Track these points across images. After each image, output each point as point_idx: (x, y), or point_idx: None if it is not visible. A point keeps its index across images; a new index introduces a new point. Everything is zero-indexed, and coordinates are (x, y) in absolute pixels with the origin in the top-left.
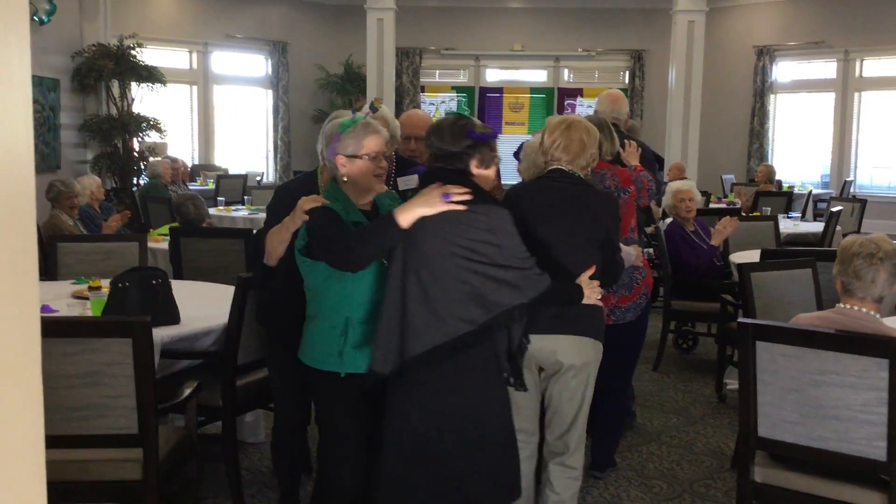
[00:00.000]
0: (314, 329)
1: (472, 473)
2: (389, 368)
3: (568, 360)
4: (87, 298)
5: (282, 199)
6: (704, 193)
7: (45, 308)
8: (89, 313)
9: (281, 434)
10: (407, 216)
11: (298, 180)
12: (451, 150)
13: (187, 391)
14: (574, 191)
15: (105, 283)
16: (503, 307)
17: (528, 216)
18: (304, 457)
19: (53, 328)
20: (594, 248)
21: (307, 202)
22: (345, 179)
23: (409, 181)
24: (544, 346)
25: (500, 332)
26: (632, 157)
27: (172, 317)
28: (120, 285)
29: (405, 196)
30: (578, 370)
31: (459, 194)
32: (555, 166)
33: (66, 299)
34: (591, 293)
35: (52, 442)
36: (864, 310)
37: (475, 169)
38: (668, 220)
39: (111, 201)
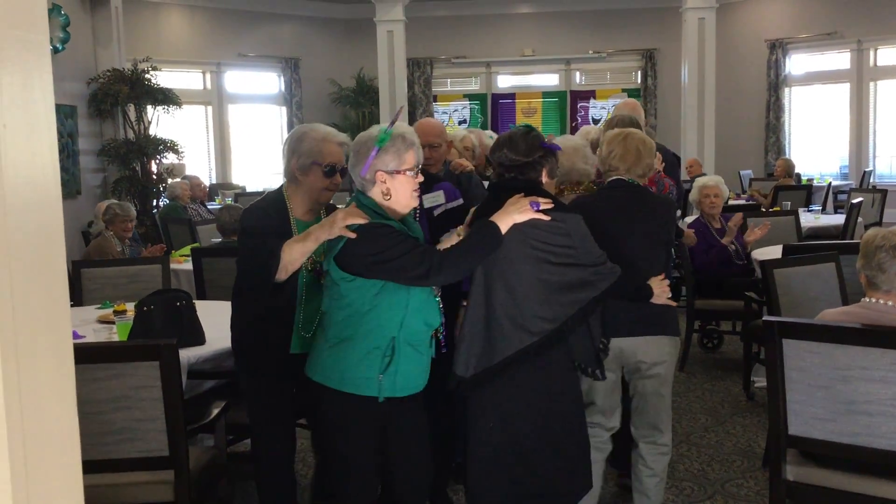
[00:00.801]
0: (349, 351)
1: (550, 469)
2: (471, 372)
3: (650, 358)
4: (112, 323)
5: (260, 218)
6: None
7: (72, 333)
8: (115, 338)
9: (271, 471)
10: (504, 225)
11: (270, 200)
12: (526, 160)
13: (215, 411)
14: (638, 197)
15: (130, 307)
16: (581, 303)
17: (599, 222)
18: (293, 491)
19: (81, 354)
20: (661, 249)
21: (348, 216)
22: (388, 197)
23: (435, 198)
24: (626, 347)
25: (580, 327)
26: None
27: (198, 337)
28: (145, 309)
29: (431, 213)
30: (660, 366)
31: (545, 203)
32: (614, 176)
33: (92, 324)
34: (662, 293)
35: (84, 467)
36: (889, 303)
37: (545, 178)
38: (688, 219)
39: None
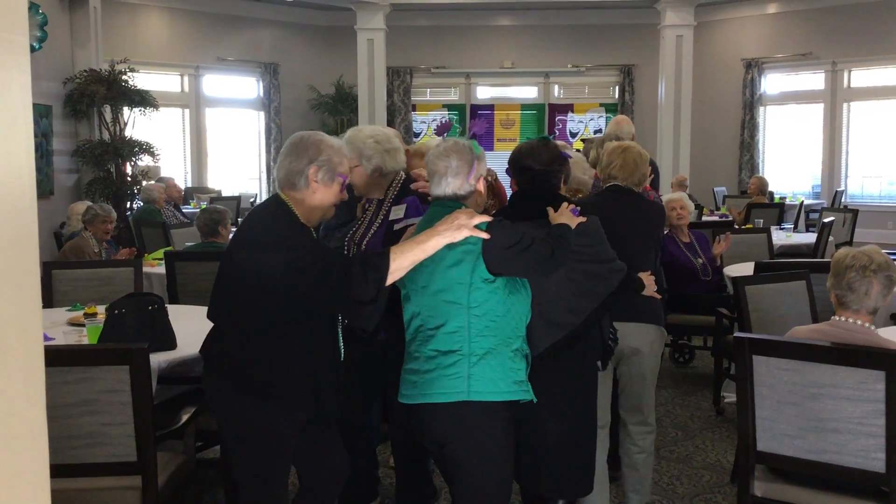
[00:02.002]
0: (496, 360)
1: (566, 461)
2: None
3: (637, 343)
4: (83, 325)
5: (284, 229)
6: (698, 206)
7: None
8: (86, 340)
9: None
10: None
11: (272, 210)
12: (548, 168)
13: (185, 417)
14: (634, 202)
15: (101, 310)
16: (600, 297)
17: (602, 222)
18: None
19: (50, 357)
20: (651, 248)
21: (472, 216)
22: (490, 201)
23: (399, 211)
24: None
25: (603, 318)
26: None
27: (169, 342)
28: (116, 312)
29: (390, 226)
30: (646, 352)
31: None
32: (611, 183)
33: (62, 326)
34: (650, 285)
35: (51, 471)
36: (859, 322)
37: (562, 185)
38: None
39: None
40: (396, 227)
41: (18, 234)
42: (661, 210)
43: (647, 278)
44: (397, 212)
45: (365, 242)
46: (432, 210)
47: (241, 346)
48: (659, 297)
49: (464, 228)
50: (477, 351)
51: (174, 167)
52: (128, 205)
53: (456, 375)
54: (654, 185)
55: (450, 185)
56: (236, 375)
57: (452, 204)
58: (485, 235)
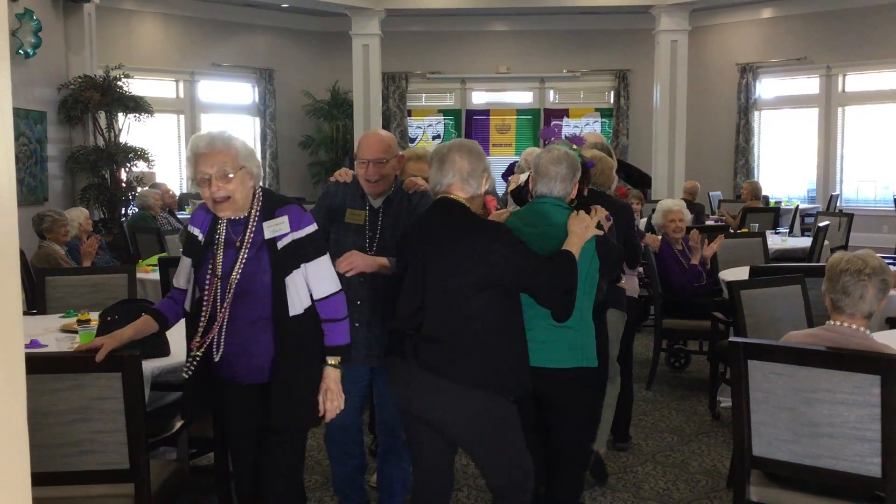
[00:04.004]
0: (591, 329)
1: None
2: None
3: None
4: (76, 332)
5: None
6: (698, 205)
7: (33, 342)
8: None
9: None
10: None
11: (469, 211)
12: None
13: (178, 424)
14: (607, 202)
15: (94, 316)
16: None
17: None
18: None
19: (42, 364)
20: (621, 240)
21: (599, 213)
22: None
23: (278, 226)
24: None
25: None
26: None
27: (162, 349)
28: (109, 318)
29: (273, 245)
30: (611, 330)
31: (602, 211)
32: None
33: (54, 333)
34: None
35: (42, 479)
36: (854, 326)
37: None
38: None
39: (100, 232)
40: (281, 244)
41: None
42: (629, 209)
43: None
44: (277, 227)
45: (239, 271)
46: (537, 206)
47: (485, 343)
48: (626, 288)
49: (592, 227)
50: (588, 323)
51: (170, 173)
52: (122, 211)
53: (584, 340)
54: (646, 186)
55: (556, 188)
56: (481, 373)
57: (557, 202)
58: (600, 232)
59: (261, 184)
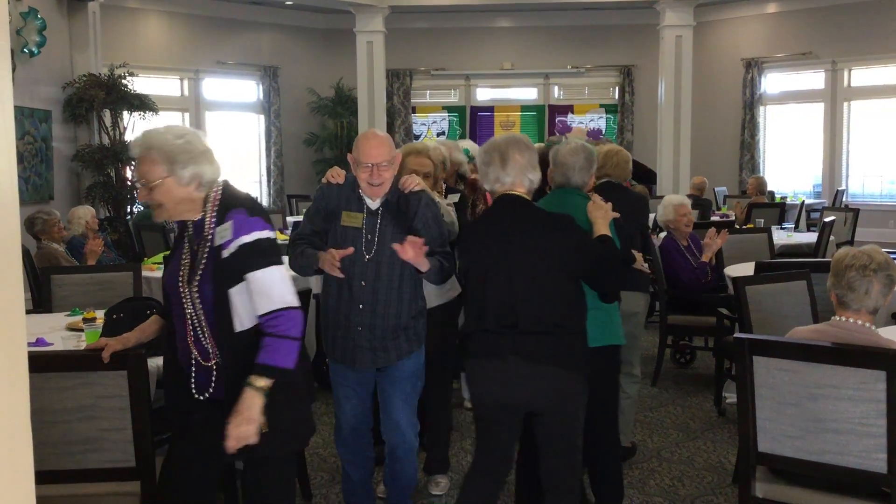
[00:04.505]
0: (614, 309)
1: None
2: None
3: (628, 307)
4: (81, 330)
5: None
6: (705, 201)
7: (39, 341)
8: (84, 345)
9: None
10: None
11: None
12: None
13: None
14: (624, 193)
15: (100, 314)
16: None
17: None
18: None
19: (48, 362)
20: (636, 229)
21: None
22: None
23: (225, 231)
24: None
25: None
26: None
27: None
28: (114, 316)
29: (219, 253)
30: (635, 314)
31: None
32: (605, 179)
33: (60, 332)
34: (640, 261)
35: (48, 477)
36: (859, 322)
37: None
38: (662, 234)
39: (105, 230)
40: (226, 252)
41: (1, 239)
42: (644, 200)
43: (637, 254)
44: (223, 233)
45: (197, 281)
46: (560, 195)
47: (571, 328)
48: (648, 271)
49: (609, 213)
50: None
51: None
52: (128, 209)
53: (613, 319)
54: (651, 181)
55: (575, 177)
56: (572, 356)
57: (577, 192)
58: (617, 215)
59: (221, 180)
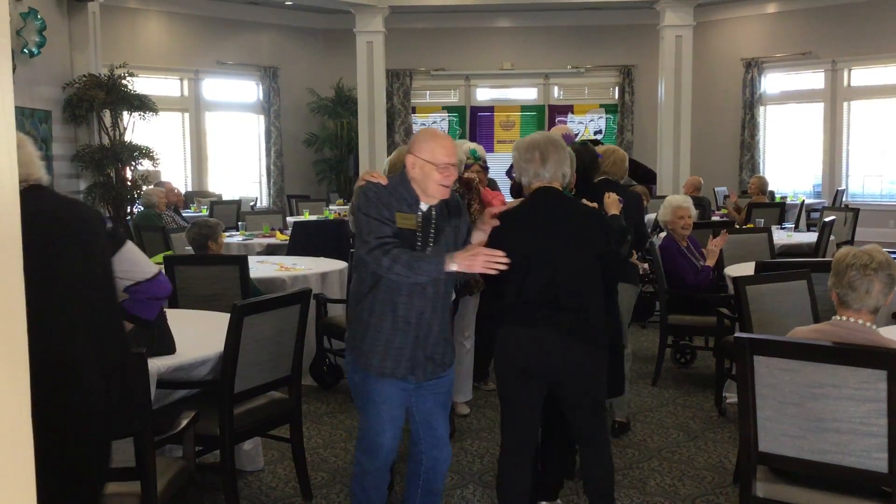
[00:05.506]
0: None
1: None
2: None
3: (620, 296)
4: None
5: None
6: (703, 199)
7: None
8: None
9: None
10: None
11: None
12: (592, 166)
13: (184, 421)
14: (620, 190)
15: None
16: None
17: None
18: None
19: None
20: (631, 223)
21: (613, 197)
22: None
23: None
24: None
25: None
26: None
27: (168, 347)
28: None
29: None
30: (623, 302)
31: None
32: (603, 177)
33: None
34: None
35: None
36: (860, 321)
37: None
38: (662, 234)
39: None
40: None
41: (2, 238)
42: (639, 198)
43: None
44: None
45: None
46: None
47: (600, 307)
48: (640, 263)
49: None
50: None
51: (174, 171)
52: (128, 209)
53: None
54: (651, 182)
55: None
56: (601, 333)
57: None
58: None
59: (39, 178)
